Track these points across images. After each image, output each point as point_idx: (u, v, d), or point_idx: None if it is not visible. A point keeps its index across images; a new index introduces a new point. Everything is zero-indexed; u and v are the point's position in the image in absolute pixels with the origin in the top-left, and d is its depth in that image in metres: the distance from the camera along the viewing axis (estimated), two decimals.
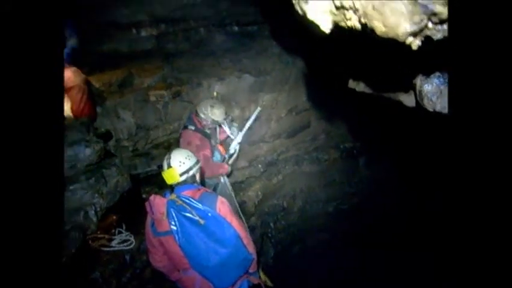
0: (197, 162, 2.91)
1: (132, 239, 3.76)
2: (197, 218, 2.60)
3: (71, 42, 4.28)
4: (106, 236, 3.67)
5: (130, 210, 3.98)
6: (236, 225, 2.73)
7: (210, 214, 2.63)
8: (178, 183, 2.79)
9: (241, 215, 4.74)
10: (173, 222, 2.61)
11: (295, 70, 6.18)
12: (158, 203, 2.71)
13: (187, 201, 2.64)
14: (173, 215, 2.62)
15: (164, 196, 2.77)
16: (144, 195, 4.83)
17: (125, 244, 3.69)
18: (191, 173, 2.81)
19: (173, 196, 2.71)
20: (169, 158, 2.82)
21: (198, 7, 5.80)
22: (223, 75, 5.67)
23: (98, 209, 3.24)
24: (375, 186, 7.44)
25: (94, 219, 3.19)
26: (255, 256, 2.88)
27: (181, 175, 2.76)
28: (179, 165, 2.77)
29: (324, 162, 7.12)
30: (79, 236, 3.05)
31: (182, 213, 2.61)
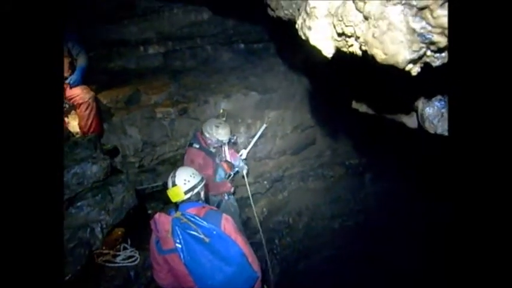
0: (202, 180, 2.93)
1: (137, 255, 3.76)
2: (202, 236, 2.60)
3: (81, 61, 4.35)
4: (111, 252, 3.68)
5: (135, 226, 4.00)
6: (241, 243, 2.73)
7: (214, 232, 2.64)
8: (183, 201, 2.82)
9: (260, 229, 4.76)
10: (178, 240, 2.62)
11: (301, 88, 6.22)
12: (163, 221, 2.73)
13: (192, 219, 2.66)
14: (178, 232, 2.63)
15: (169, 214, 2.78)
16: (150, 211, 4.85)
17: (130, 260, 3.70)
18: (195, 191, 2.84)
19: (178, 214, 2.72)
20: (174, 176, 2.85)
21: (204, 25, 5.90)
22: (229, 93, 5.73)
23: (104, 226, 3.26)
24: (381, 203, 7.41)
25: (100, 236, 3.21)
26: (259, 274, 2.86)
27: (185, 193, 2.79)
28: (184, 183, 2.80)
29: (329, 178, 7.11)
30: (84, 252, 3.07)
31: (187, 231, 2.62)
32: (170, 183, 2.85)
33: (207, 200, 3.37)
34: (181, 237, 2.63)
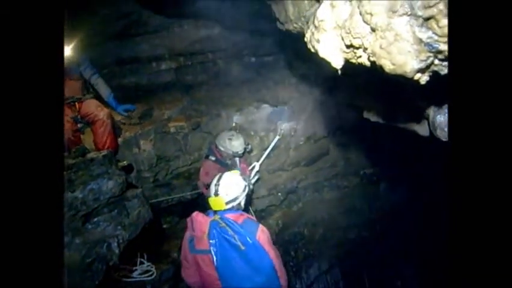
0: (244, 189, 3.00)
1: (153, 269, 3.79)
2: (238, 243, 2.65)
3: (103, 89, 4.54)
4: (128, 267, 3.71)
5: (151, 240, 4.02)
6: (272, 255, 2.76)
7: (250, 241, 2.68)
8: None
9: None
10: (214, 243, 2.69)
11: (312, 99, 6.23)
12: (201, 221, 2.80)
13: (230, 224, 2.71)
14: (215, 236, 2.70)
15: (207, 215, 2.85)
16: (165, 226, 4.88)
17: (146, 275, 3.72)
18: (237, 201, 2.92)
19: (216, 217, 2.79)
20: (218, 185, 2.92)
21: (215, 40, 5.97)
22: (241, 106, 5.77)
23: (121, 241, 3.29)
24: (397, 212, 7.33)
25: (117, 251, 3.23)
26: None
27: (227, 203, 2.86)
28: (226, 194, 2.87)
29: (344, 189, 7.06)
30: (102, 267, 3.09)
31: (224, 235, 2.68)
32: (212, 192, 2.91)
33: (246, 209, 3.38)
34: (217, 240, 2.69)
